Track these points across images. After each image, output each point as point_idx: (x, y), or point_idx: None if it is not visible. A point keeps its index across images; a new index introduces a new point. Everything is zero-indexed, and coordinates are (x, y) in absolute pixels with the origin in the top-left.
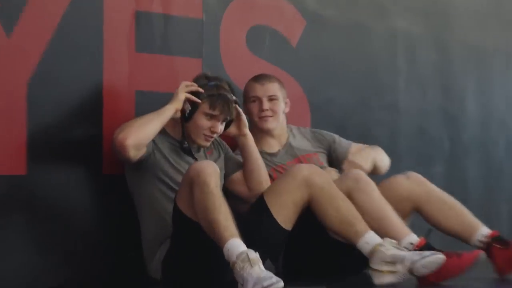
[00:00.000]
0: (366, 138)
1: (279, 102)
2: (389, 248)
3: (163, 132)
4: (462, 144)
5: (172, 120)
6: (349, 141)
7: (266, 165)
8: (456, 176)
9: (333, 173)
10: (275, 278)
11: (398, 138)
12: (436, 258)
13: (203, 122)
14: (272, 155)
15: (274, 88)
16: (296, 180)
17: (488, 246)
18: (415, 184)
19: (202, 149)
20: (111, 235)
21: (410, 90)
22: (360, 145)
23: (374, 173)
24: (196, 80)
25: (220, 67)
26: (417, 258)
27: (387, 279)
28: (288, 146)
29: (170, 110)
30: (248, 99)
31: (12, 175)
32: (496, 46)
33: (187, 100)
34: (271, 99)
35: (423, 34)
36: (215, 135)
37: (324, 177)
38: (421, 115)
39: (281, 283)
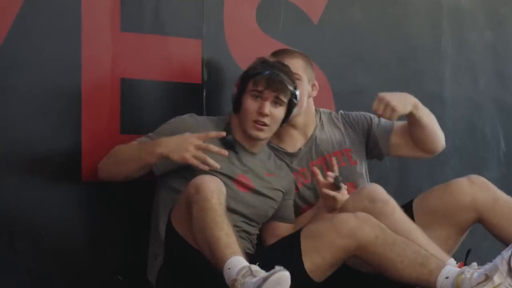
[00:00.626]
0: None
1: (303, 83)
2: (471, 271)
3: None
4: None
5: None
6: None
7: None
8: None
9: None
10: (278, 267)
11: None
12: None
13: (249, 104)
14: (291, 156)
15: (296, 65)
16: (340, 234)
17: None
18: (478, 188)
19: (259, 158)
20: (92, 255)
21: (457, 77)
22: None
23: (422, 149)
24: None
25: (225, 49)
26: (509, 253)
27: None
28: (313, 141)
29: (153, 157)
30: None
31: None
32: None
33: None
34: None
35: (474, 8)
36: (266, 120)
37: (375, 226)
38: (471, 108)
39: (287, 272)
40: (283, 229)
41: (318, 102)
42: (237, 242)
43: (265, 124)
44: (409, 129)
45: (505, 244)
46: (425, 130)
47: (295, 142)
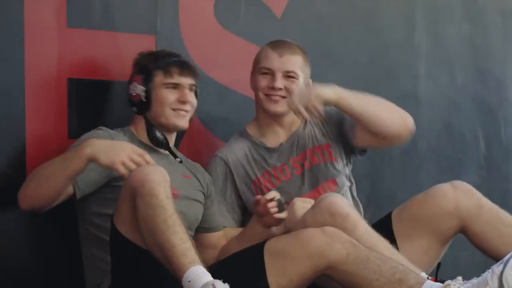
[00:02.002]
0: None
1: (298, 82)
2: (458, 284)
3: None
4: (502, 145)
5: (135, 120)
6: None
7: (260, 167)
8: (495, 187)
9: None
10: None
11: (418, 137)
12: None
13: (166, 95)
14: (271, 151)
15: (295, 62)
16: (308, 253)
17: None
18: (462, 195)
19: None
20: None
21: (433, 74)
22: None
23: (375, 135)
24: (141, 59)
25: (180, 45)
26: (500, 268)
27: None
28: (295, 137)
29: (81, 159)
30: (258, 70)
31: None
32: None
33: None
34: (289, 76)
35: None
36: (187, 107)
37: (346, 242)
38: (447, 107)
39: None
40: (214, 239)
41: None
42: (193, 247)
43: (186, 111)
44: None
45: (487, 255)
46: (362, 117)
47: (277, 138)
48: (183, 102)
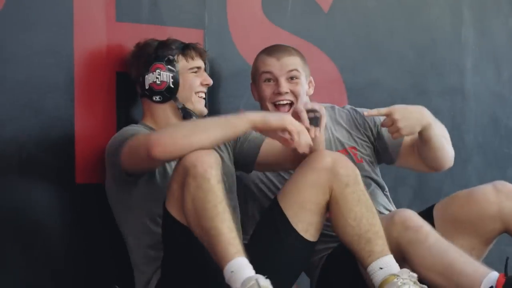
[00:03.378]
0: None
1: (301, 81)
2: (406, 282)
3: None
4: None
5: (152, 112)
6: None
7: (277, 174)
8: None
9: None
10: None
11: (464, 132)
12: None
13: (192, 80)
14: None
15: (295, 62)
16: (315, 172)
17: None
18: (505, 197)
19: None
20: (87, 262)
21: (479, 69)
22: None
23: (428, 165)
24: (141, 48)
25: (228, 40)
26: None
27: None
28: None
29: (245, 123)
30: (259, 78)
31: None
32: None
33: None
34: (291, 77)
35: None
36: (206, 89)
37: (350, 170)
38: (494, 102)
39: None
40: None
41: (330, 97)
42: (239, 237)
43: (205, 94)
44: (417, 145)
45: None
46: (433, 149)
47: None
48: (206, 85)
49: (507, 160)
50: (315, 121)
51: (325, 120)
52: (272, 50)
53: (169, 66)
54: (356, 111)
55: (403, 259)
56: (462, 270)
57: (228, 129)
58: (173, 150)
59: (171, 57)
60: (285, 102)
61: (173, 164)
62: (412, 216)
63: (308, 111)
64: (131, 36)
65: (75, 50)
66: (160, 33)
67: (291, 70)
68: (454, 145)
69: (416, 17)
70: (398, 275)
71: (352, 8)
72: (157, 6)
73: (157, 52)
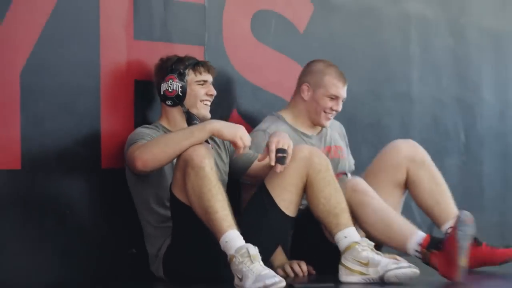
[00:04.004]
0: (377, 129)
1: None
2: (365, 248)
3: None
4: (478, 135)
5: (167, 114)
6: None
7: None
8: (472, 169)
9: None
10: (277, 277)
11: (410, 129)
12: (412, 272)
13: (198, 90)
14: (307, 136)
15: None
16: (295, 161)
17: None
18: (413, 148)
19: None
20: (110, 231)
21: (423, 78)
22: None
23: None
24: (163, 61)
25: (223, 55)
26: (392, 267)
27: (355, 279)
28: (323, 134)
29: (205, 132)
30: (327, 94)
31: (6, 170)
32: None
33: (171, 79)
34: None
35: (438, 19)
36: (211, 98)
37: (323, 160)
38: (435, 105)
39: (284, 283)
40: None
41: None
42: (231, 213)
43: (210, 102)
44: None
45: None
46: None
47: (310, 130)
48: (210, 95)
49: (444, 152)
50: (282, 160)
51: (289, 158)
52: (341, 75)
53: (179, 78)
54: (342, 127)
55: (353, 217)
56: (398, 228)
57: (193, 138)
58: (152, 164)
59: (182, 70)
60: (331, 117)
61: None
62: (360, 182)
63: (278, 150)
64: (146, 50)
65: (101, 62)
66: (168, 49)
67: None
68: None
69: (373, 36)
70: (359, 243)
71: (322, 29)
72: (167, 27)
73: (172, 66)
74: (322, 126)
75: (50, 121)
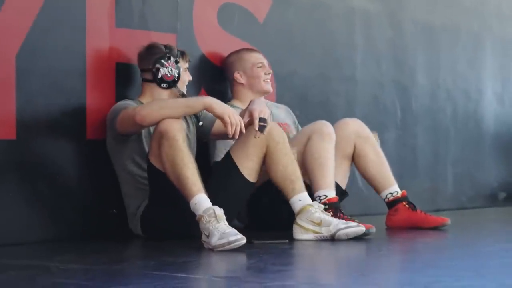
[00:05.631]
0: (326, 107)
1: None
2: (317, 210)
3: None
4: (412, 113)
5: (152, 92)
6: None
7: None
8: (407, 142)
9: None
10: (239, 235)
11: (354, 107)
12: (359, 229)
13: (184, 77)
14: None
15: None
16: (255, 141)
17: (395, 202)
18: (358, 125)
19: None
20: (94, 194)
21: (366, 64)
22: None
23: None
24: (152, 48)
25: (193, 42)
26: (342, 226)
27: (308, 237)
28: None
29: (200, 105)
30: (255, 65)
31: (3, 140)
32: (444, 24)
33: (169, 66)
34: None
35: (379, 12)
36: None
37: (281, 134)
38: (375, 86)
39: (244, 240)
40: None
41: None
42: (199, 179)
43: None
44: None
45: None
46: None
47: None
48: (189, 81)
49: (383, 127)
50: (262, 128)
51: (269, 128)
52: (255, 49)
53: (176, 66)
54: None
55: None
56: (326, 173)
57: (188, 108)
58: (150, 119)
59: (177, 59)
60: (268, 80)
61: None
62: (330, 127)
63: (260, 119)
64: (126, 37)
65: (87, 46)
66: (145, 36)
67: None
68: (348, 116)
69: (323, 27)
70: (312, 205)
71: (278, 20)
72: (144, 16)
73: (168, 54)
74: (268, 91)
75: (42, 98)
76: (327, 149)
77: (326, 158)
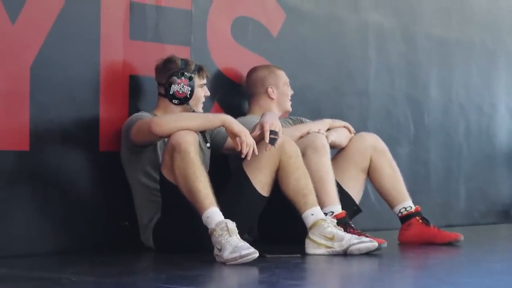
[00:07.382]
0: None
1: None
2: (330, 225)
3: None
4: (425, 128)
5: (165, 107)
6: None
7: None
8: (419, 157)
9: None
10: (252, 249)
11: (367, 121)
12: (371, 245)
13: (200, 93)
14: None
15: None
16: (268, 154)
17: (408, 217)
18: (375, 139)
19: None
20: (106, 205)
21: (379, 78)
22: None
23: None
24: (168, 62)
25: (207, 54)
26: (355, 241)
27: (321, 251)
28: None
29: (218, 121)
30: (286, 83)
31: (16, 151)
32: (458, 39)
33: (177, 82)
34: None
35: (392, 27)
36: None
37: (294, 147)
38: (389, 100)
39: (257, 254)
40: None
41: None
42: (212, 192)
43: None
44: None
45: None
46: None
47: None
48: (206, 96)
49: (396, 141)
50: (273, 141)
51: (280, 140)
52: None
53: (189, 83)
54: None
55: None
56: (328, 189)
57: (206, 122)
58: (166, 128)
59: (192, 76)
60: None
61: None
62: (323, 139)
63: (271, 132)
64: (140, 49)
65: (101, 58)
66: (159, 48)
67: None
68: (360, 131)
69: (336, 41)
70: (325, 220)
71: (292, 34)
72: (158, 29)
73: (182, 70)
74: (290, 111)
75: (56, 109)
76: (324, 163)
77: (325, 172)
